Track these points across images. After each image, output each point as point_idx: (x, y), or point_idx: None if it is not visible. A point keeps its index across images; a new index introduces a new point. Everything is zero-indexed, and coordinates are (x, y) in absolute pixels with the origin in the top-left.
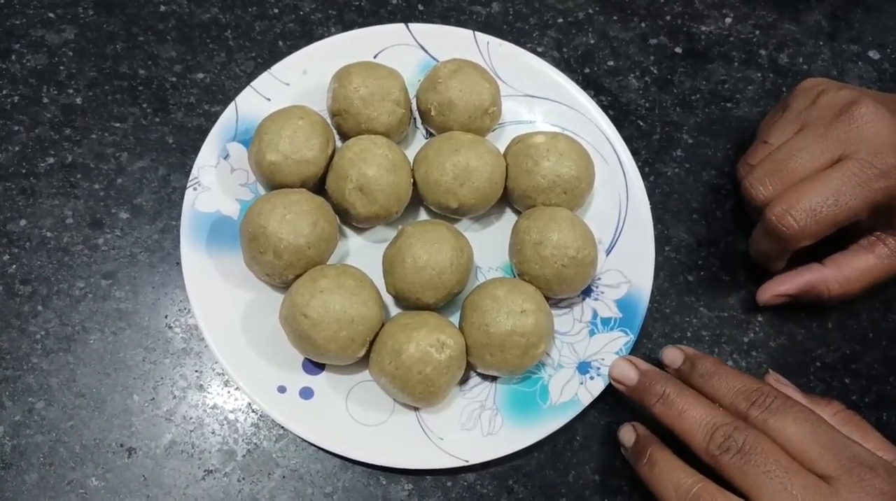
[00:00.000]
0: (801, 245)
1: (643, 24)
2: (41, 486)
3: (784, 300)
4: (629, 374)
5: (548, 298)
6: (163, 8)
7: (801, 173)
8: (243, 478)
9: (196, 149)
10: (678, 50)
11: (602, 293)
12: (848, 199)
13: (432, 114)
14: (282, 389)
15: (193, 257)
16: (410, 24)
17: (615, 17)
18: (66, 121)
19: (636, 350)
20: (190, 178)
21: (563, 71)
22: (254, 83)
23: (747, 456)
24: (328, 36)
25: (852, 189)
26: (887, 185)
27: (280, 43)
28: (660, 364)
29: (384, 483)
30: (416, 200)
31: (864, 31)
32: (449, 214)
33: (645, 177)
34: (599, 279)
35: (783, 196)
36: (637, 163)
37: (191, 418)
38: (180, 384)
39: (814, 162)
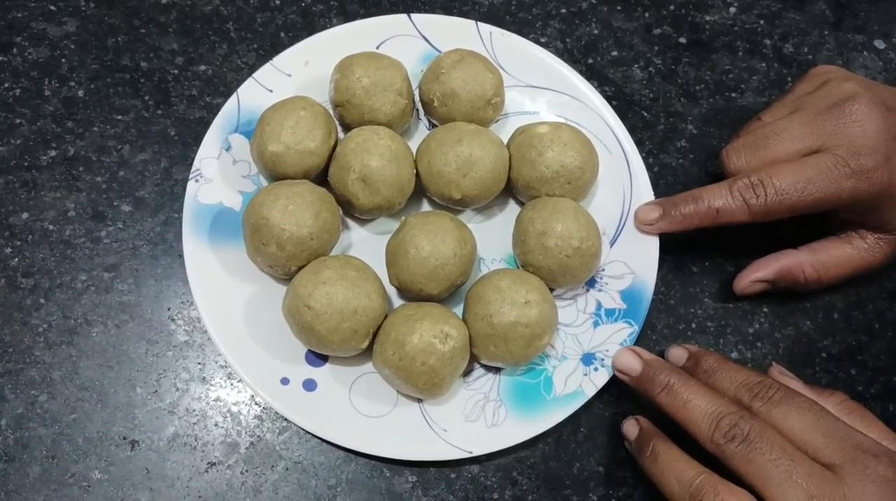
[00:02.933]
0: (753, 220)
1: (647, 14)
2: (44, 479)
3: (762, 286)
4: (633, 364)
5: (552, 289)
6: (164, 0)
7: (778, 153)
8: (246, 471)
9: (198, 141)
10: (682, 40)
11: (606, 284)
12: (814, 191)
13: (435, 104)
14: (285, 381)
15: (196, 249)
16: (413, 15)
17: (619, 7)
18: (67, 114)
19: (640, 341)
20: (192, 170)
21: (567, 61)
22: (255, 74)
23: (752, 445)
24: (330, 27)
25: (822, 182)
26: (856, 186)
27: (282, 34)
28: (664, 356)
29: (388, 475)
30: (420, 191)
31: (870, 20)
32: (452, 205)
33: (649, 167)
34: (603, 270)
35: (758, 170)
36: (641, 154)
37: (194, 410)
38: (183, 376)
39: (793, 145)
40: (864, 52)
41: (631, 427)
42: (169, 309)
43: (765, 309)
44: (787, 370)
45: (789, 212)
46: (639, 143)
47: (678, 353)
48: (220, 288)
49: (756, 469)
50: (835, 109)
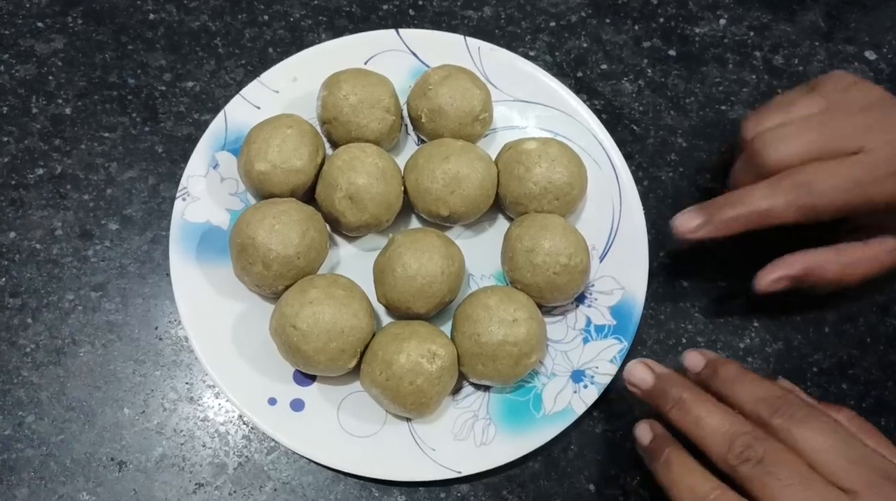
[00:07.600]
0: (798, 220)
1: (636, 27)
2: None
3: (784, 285)
4: (645, 377)
5: (540, 306)
6: (152, 16)
7: (821, 148)
8: (234, 492)
9: (186, 158)
10: (672, 52)
11: (595, 300)
12: (861, 192)
13: (423, 120)
14: (272, 401)
15: (183, 268)
16: (401, 30)
17: (608, 20)
18: (55, 132)
19: (630, 357)
20: (179, 188)
21: (556, 75)
22: (243, 91)
23: (767, 468)
24: (318, 42)
25: (869, 184)
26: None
27: (270, 50)
28: (679, 360)
29: (377, 495)
30: (408, 208)
31: (860, 31)
32: (440, 222)
33: (639, 181)
34: (593, 286)
35: (805, 169)
36: (631, 168)
37: (181, 431)
38: (171, 396)
39: (835, 143)
40: (855, 63)
41: (644, 432)
42: (156, 328)
43: (755, 324)
44: (790, 383)
45: (835, 214)
46: (628, 157)
47: (695, 359)
48: (208, 307)
49: (770, 493)
50: (874, 111)
